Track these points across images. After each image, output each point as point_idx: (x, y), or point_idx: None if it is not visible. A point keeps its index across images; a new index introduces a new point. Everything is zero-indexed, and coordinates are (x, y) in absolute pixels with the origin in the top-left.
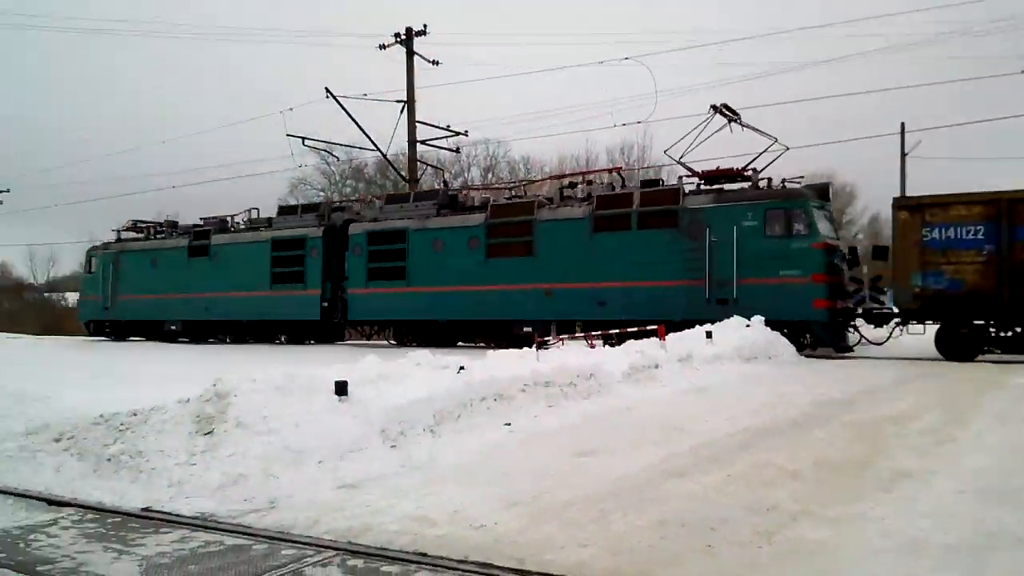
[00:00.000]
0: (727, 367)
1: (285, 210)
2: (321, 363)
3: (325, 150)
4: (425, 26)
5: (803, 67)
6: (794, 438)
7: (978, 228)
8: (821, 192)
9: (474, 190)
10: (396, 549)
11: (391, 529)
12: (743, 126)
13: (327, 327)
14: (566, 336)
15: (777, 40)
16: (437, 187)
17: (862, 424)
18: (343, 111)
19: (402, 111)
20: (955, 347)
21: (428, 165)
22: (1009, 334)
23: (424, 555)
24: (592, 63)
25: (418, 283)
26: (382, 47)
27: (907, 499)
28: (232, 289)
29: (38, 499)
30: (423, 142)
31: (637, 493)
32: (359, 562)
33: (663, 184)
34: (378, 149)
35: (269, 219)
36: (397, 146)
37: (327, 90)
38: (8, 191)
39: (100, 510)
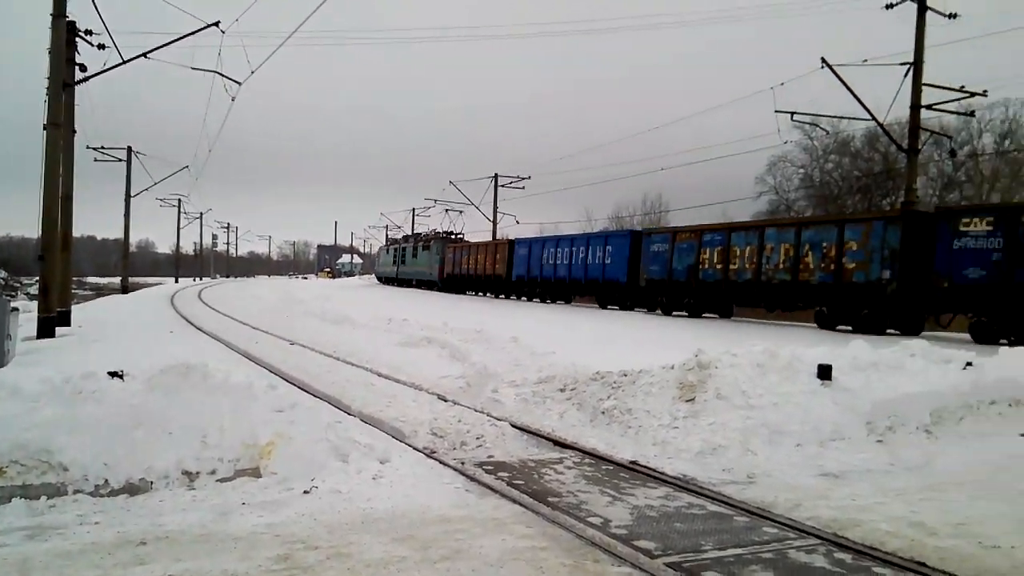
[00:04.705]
0: None
1: (426, 235)
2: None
3: (811, 123)
4: None
5: None
6: None
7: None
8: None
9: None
10: (888, 552)
11: (882, 529)
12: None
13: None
14: None
15: None
16: (937, 159)
17: None
18: (837, 79)
19: (906, 74)
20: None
21: (932, 132)
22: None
23: (923, 565)
24: None
25: (408, 266)
26: (889, 6)
27: None
28: (404, 265)
29: (546, 439)
30: (929, 107)
31: None
32: (847, 556)
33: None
34: (872, 117)
35: (419, 234)
36: (893, 114)
37: (823, 60)
38: (529, 178)
39: (595, 456)
